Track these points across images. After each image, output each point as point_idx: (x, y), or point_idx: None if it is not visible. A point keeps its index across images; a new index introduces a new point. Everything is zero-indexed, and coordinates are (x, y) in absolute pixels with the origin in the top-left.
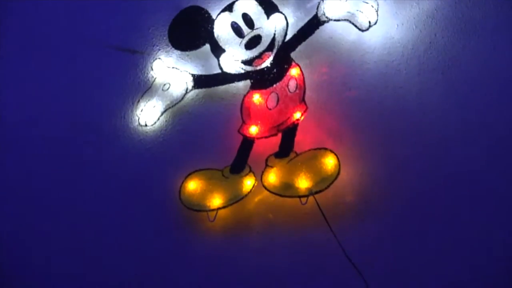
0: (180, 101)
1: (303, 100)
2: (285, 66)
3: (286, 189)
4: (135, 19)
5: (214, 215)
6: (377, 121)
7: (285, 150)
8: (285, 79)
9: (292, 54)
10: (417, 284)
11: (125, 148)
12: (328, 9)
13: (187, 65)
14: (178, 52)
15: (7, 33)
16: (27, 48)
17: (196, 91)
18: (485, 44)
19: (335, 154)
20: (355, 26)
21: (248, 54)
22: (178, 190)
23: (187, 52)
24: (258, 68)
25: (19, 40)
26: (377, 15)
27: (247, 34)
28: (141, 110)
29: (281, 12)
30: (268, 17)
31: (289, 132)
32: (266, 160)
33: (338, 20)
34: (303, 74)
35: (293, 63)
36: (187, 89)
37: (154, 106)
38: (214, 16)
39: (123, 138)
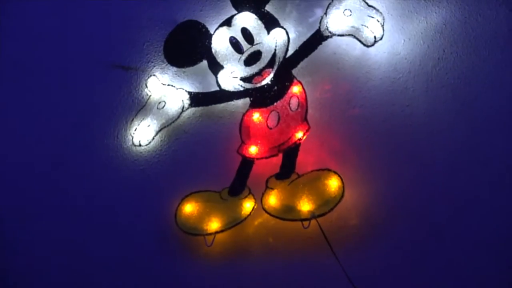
0: (176, 120)
1: (305, 119)
2: (287, 84)
3: (287, 212)
4: (129, 34)
5: (211, 240)
6: (383, 141)
7: (286, 171)
8: (286, 97)
9: (294, 71)
10: None
11: (119, 169)
12: (332, 24)
13: (183, 82)
14: (174, 68)
15: None
16: (17, 62)
17: (193, 109)
18: (496, 60)
19: (339, 176)
20: (360, 41)
21: (247, 71)
22: (174, 213)
23: (183, 69)
24: (258, 85)
25: (9, 55)
26: (383, 29)
27: (247, 49)
28: (135, 130)
29: (282, 27)
30: (268, 32)
31: (290, 153)
32: (267, 181)
33: (342, 35)
34: (305, 92)
35: (295, 80)
36: (183, 107)
37: (148, 125)
38: (212, 31)
39: (116, 158)
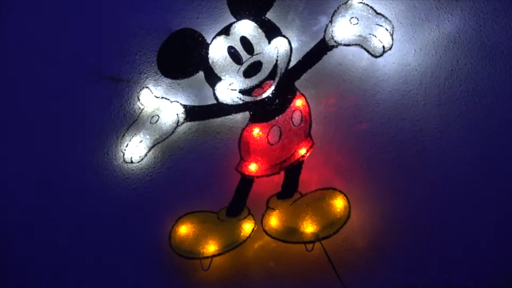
0: (170, 135)
1: (308, 134)
2: (289, 97)
3: (290, 234)
4: (120, 43)
5: (208, 264)
6: (392, 158)
7: (289, 190)
8: (288, 111)
9: (297, 83)
10: None
11: (109, 187)
12: (337, 33)
13: (178, 95)
14: (168, 80)
15: None
16: (1, 73)
17: (189, 124)
18: None
19: (345, 195)
20: (367, 51)
21: (247, 83)
22: (168, 235)
23: (178, 81)
24: (259, 98)
25: None
26: (392, 39)
27: (246, 60)
28: (127, 145)
29: (284, 36)
30: (269, 41)
31: (293, 170)
32: (267, 201)
33: (349, 45)
34: (308, 105)
35: (298, 93)
36: (178, 121)
37: (141, 141)
38: (209, 40)
39: (106, 176)
